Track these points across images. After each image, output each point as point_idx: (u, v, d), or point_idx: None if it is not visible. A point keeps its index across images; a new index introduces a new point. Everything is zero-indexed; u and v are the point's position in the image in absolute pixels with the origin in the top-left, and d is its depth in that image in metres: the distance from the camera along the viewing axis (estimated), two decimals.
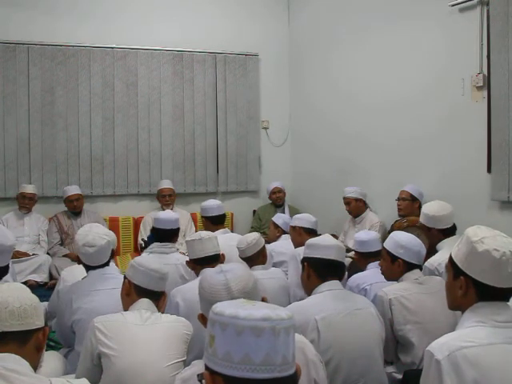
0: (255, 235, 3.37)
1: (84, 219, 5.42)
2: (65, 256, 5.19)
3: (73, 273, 3.30)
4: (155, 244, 3.54)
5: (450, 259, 1.68)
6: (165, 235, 3.55)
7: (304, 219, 3.86)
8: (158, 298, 2.30)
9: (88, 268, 2.81)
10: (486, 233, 1.60)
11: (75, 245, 2.93)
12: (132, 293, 2.28)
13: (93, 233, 2.78)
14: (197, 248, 2.96)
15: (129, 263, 2.37)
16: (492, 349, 1.50)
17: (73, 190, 5.44)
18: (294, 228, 3.88)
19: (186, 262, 3.09)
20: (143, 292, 2.26)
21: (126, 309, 2.28)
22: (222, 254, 3.04)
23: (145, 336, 2.11)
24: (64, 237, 5.37)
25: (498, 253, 1.54)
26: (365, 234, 3.39)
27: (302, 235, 3.74)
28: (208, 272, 1.75)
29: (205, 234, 3.04)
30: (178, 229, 3.65)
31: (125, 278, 2.35)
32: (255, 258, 3.31)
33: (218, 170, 6.31)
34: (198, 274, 2.97)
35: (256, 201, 6.44)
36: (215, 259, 2.97)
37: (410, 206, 4.40)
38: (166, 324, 2.20)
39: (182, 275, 3.42)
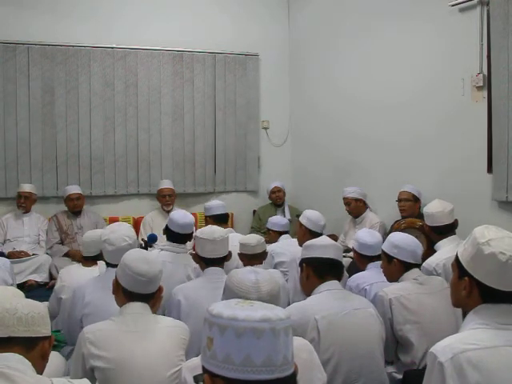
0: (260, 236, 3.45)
1: (84, 219, 5.42)
2: (65, 255, 5.18)
3: (70, 273, 3.30)
4: (168, 243, 3.54)
5: (456, 258, 1.66)
6: (177, 238, 3.53)
7: (313, 222, 3.77)
8: (149, 298, 2.16)
9: (107, 265, 2.81)
10: (493, 234, 1.57)
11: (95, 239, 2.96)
12: (120, 293, 2.16)
13: (117, 232, 2.80)
14: (208, 248, 2.90)
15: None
16: (495, 351, 1.48)
17: (73, 188, 5.44)
18: (301, 225, 3.84)
19: (193, 254, 3.06)
20: (130, 295, 2.13)
21: (119, 306, 2.17)
22: (230, 252, 3.02)
23: (140, 346, 2.01)
24: (63, 236, 5.36)
25: (504, 256, 1.51)
26: (369, 237, 3.22)
27: (306, 235, 3.68)
28: (239, 269, 1.89)
29: (218, 234, 2.95)
30: (191, 233, 3.61)
31: (115, 274, 2.23)
32: (260, 257, 3.34)
33: (216, 170, 6.31)
34: (202, 270, 2.96)
35: (256, 201, 6.43)
36: (223, 260, 2.96)
37: (413, 206, 4.37)
38: (162, 330, 2.11)
39: (189, 276, 3.43)
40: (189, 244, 3.79)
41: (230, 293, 1.78)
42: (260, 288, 1.75)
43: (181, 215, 3.63)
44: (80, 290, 2.72)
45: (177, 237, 3.53)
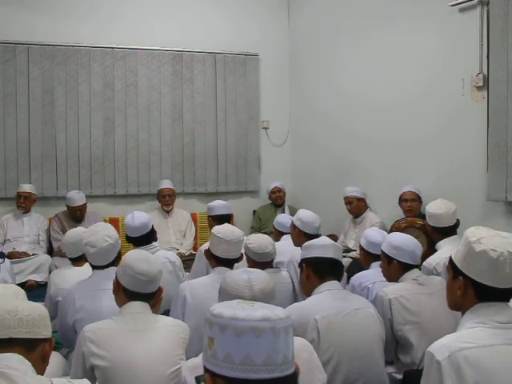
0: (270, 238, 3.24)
1: (85, 224, 5.35)
2: None
3: (62, 275, 3.29)
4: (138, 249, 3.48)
5: (450, 260, 1.68)
6: (143, 240, 3.46)
7: (306, 224, 3.64)
8: (150, 298, 2.17)
9: (93, 268, 2.81)
10: (484, 233, 1.59)
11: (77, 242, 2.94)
12: (120, 293, 2.17)
13: (98, 233, 2.78)
14: (222, 247, 2.87)
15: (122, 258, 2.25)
16: (493, 350, 1.49)
17: (78, 199, 5.27)
18: (294, 227, 3.71)
19: (205, 250, 3.02)
20: (131, 294, 2.14)
21: (119, 306, 2.18)
22: (242, 254, 2.99)
23: (140, 345, 2.02)
24: None
25: (495, 253, 1.53)
26: (378, 236, 3.15)
27: (300, 237, 3.59)
28: (233, 271, 1.95)
29: (235, 235, 2.90)
30: (151, 230, 3.52)
31: (116, 274, 2.24)
32: (272, 261, 3.21)
33: (218, 170, 6.32)
34: (212, 267, 2.95)
35: (256, 201, 6.43)
36: (234, 261, 2.93)
37: (418, 206, 4.36)
38: (162, 329, 2.12)
39: (172, 271, 3.41)
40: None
41: (224, 294, 1.80)
42: (253, 286, 1.77)
43: (133, 218, 3.49)
44: (70, 294, 2.71)
45: (141, 239, 3.45)
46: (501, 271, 1.53)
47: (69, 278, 3.09)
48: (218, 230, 2.93)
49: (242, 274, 1.83)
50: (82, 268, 3.20)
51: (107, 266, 2.77)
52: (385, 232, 3.37)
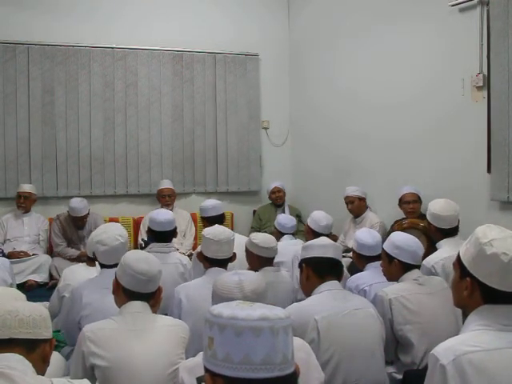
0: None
1: (86, 227, 5.28)
2: (75, 259, 4.95)
3: (74, 272, 3.32)
4: (154, 244, 3.52)
5: (458, 258, 1.64)
6: (162, 237, 3.52)
7: (314, 221, 3.91)
8: (149, 297, 2.17)
9: (102, 266, 2.83)
10: (495, 234, 1.55)
11: (90, 240, 2.99)
12: (120, 293, 2.18)
13: (109, 232, 2.83)
14: (213, 248, 2.90)
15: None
16: (498, 354, 1.46)
17: (81, 210, 5.12)
18: (307, 224, 3.98)
19: (198, 253, 3.05)
20: (131, 294, 2.14)
21: (119, 306, 2.19)
22: (234, 254, 3.01)
23: (140, 344, 2.02)
24: (68, 242, 5.29)
25: (506, 257, 1.49)
26: (368, 238, 3.18)
27: (309, 234, 3.81)
28: (224, 274, 1.95)
29: (224, 235, 2.93)
30: (174, 229, 3.60)
31: (115, 275, 2.24)
32: (273, 259, 3.26)
33: (218, 170, 6.32)
34: (205, 269, 2.96)
35: (256, 201, 6.43)
36: (227, 261, 2.95)
37: (419, 207, 4.36)
38: (162, 328, 2.12)
39: (182, 273, 3.42)
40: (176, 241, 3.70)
41: (216, 297, 1.80)
42: (243, 287, 1.78)
43: (159, 213, 3.62)
44: (77, 291, 2.73)
45: (161, 236, 3.50)
46: (511, 275, 1.50)
47: (79, 275, 3.13)
48: (208, 231, 2.98)
49: (232, 276, 1.84)
50: (94, 268, 3.25)
51: (116, 265, 2.77)
52: (376, 233, 3.35)
